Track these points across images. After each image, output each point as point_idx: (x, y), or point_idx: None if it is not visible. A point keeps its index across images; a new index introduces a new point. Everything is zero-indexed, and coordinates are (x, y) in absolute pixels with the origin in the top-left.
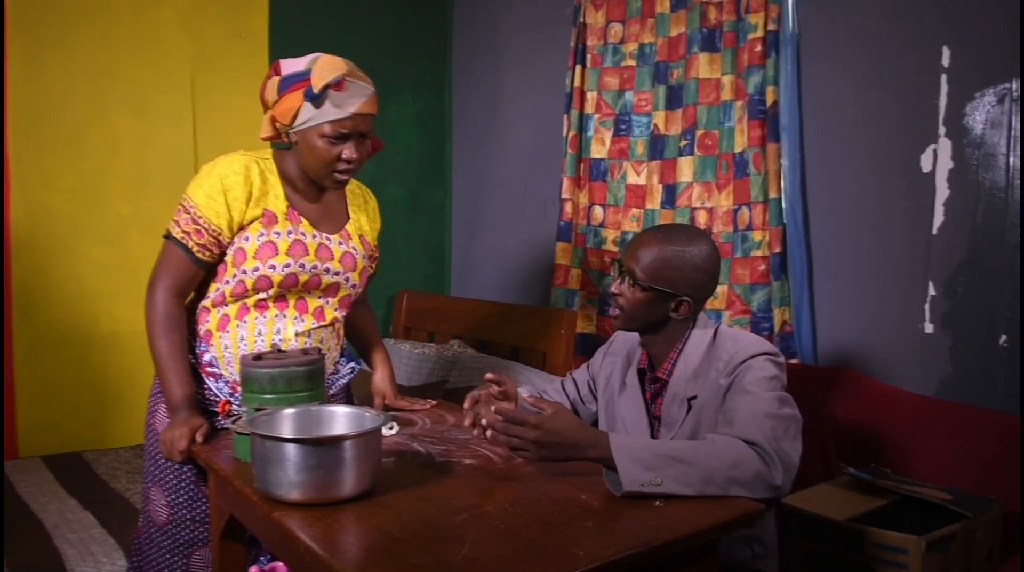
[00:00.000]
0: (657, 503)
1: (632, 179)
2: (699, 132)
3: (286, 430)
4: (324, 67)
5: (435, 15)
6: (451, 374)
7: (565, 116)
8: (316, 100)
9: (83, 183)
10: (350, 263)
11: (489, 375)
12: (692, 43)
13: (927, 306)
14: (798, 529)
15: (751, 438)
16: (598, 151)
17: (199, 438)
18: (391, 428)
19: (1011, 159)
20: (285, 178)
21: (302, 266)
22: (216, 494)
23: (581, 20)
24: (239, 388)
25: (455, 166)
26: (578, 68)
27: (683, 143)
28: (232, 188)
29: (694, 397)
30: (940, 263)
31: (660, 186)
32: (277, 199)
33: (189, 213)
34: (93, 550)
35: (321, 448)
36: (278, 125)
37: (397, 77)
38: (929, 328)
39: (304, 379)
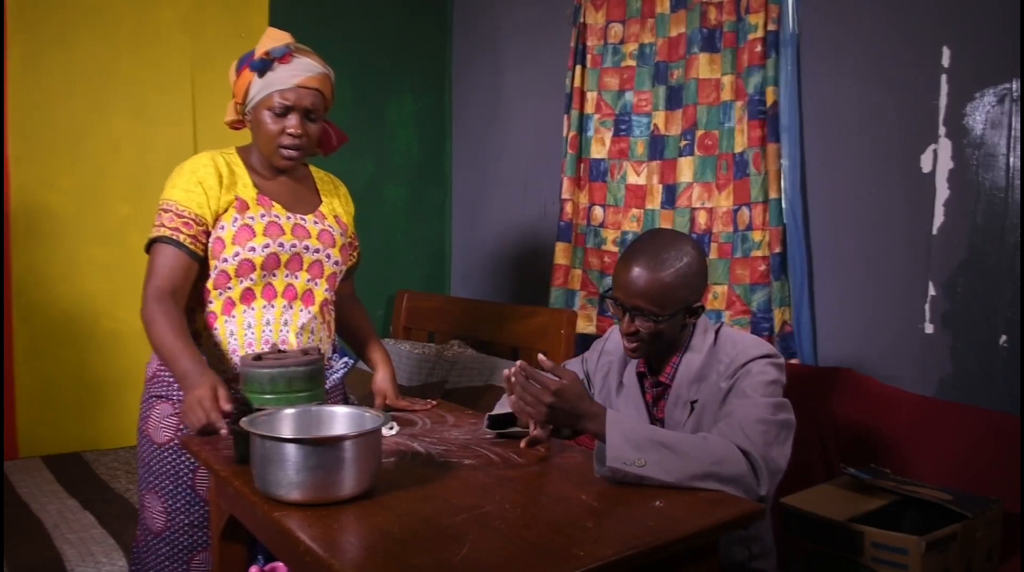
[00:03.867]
0: (657, 503)
1: (632, 179)
2: (699, 132)
3: (286, 430)
4: (268, 38)
5: (435, 15)
6: (451, 374)
7: (565, 116)
8: (262, 70)
9: (83, 183)
10: (328, 240)
11: (506, 372)
12: (692, 43)
13: (927, 306)
14: (798, 529)
15: (739, 445)
16: (598, 151)
17: (223, 402)
18: (391, 428)
19: (1011, 159)
20: (250, 168)
21: (281, 245)
22: (216, 494)
23: (581, 20)
24: (232, 386)
25: (455, 166)
26: (578, 68)
27: (683, 143)
28: (206, 178)
29: (695, 401)
30: (940, 263)
31: (660, 186)
32: (246, 187)
33: (171, 211)
34: (93, 550)
35: (321, 448)
36: (237, 107)
37: (397, 77)
38: (929, 328)
39: (304, 379)
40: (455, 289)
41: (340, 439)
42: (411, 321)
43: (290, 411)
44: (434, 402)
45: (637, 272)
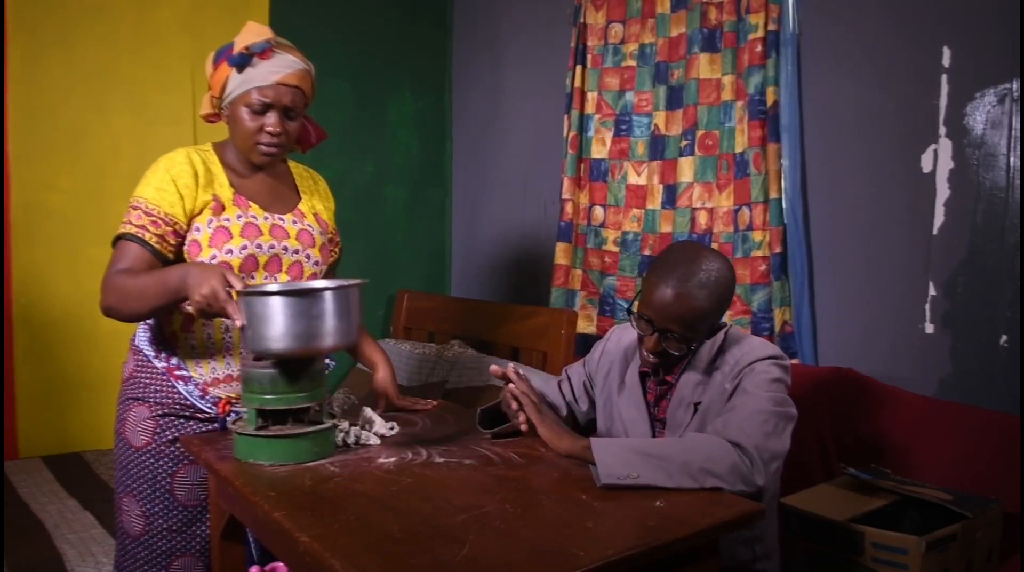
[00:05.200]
0: (657, 503)
1: (633, 179)
2: (700, 132)
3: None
4: (248, 33)
5: (435, 15)
6: (451, 374)
7: (565, 116)
8: (240, 65)
9: (83, 183)
10: (308, 240)
11: (494, 368)
12: (692, 43)
13: (927, 306)
14: (798, 529)
15: (734, 439)
16: (598, 151)
17: (234, 282)
18: (391, 428)
19: (1011, 159)
20: (227, 166)
21: (259, 247)
22: (216, 494)
23: (581, 20)
24: (209, 390)
25: (455, 166)
26: (578, 68)
27: (684, 143)
28: (180, 176)
29: (699, 403)
30: (940, 263)
31: (661, 186)
32: (222, 187)
33: (140, 209)
34: (93, 550)
35: (305, 299)
36: (214, 100)
37: (397, 77)
38: (929, 328)
39: (304, 380)
40: (455, 289)
41: (321, 290)
42: (411, 321)
43: (275, 286)
44: (435, 402)
45: (674, 296)
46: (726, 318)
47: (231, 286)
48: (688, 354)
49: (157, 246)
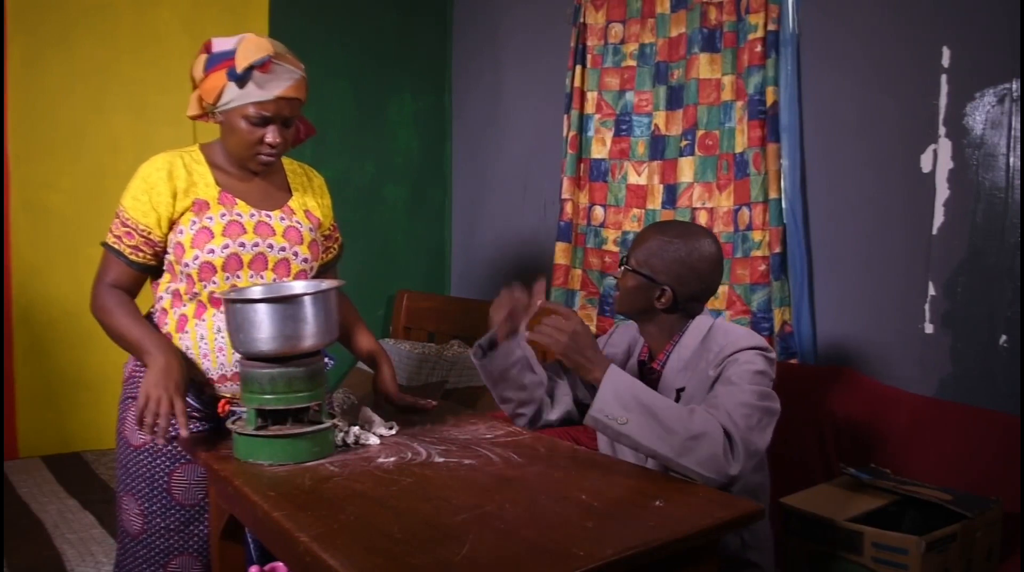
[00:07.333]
0: (657, 503)
1: (633, 179)
2: (700, 132)
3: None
4: (249, 47)
5: (435, 15)
6: (451, 374)
7: (565, 116)
8: (240, 80)
9: (83, 183)
10: (295, 237)
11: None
12: (692, 43)
13: (927, 306)
14: (798, 529)
15: (724, 425)
16: (599, 151)
17: (180, 418)
18: (391, 428)
19: (1011, 159)
20: (214, 166)
21: (242, 245)
22: (216, 494)
23: (581, 20)
24: (204, 389)
25: (455, 166)
26: (578, 68)
27: (684, 143)
28: (156, 185)
29: (682, 389)
30: (940, 263)
31: (661, 186)
32: (208, 187)
33: (119, 217)
34: (93, 550)
35: (285, 305)
36: (204, 104)
37: (397, 77)
38: (929, 328)
39: (304, 380)
40: (455, 289)
41: (300, 296)
42: (411, 321)
43: (257, 287)
44: (434, 402)
45: (648, 229)
46: (726, 317)
47: (180, 402)
48: (626, 295)
49: (130, 257)
